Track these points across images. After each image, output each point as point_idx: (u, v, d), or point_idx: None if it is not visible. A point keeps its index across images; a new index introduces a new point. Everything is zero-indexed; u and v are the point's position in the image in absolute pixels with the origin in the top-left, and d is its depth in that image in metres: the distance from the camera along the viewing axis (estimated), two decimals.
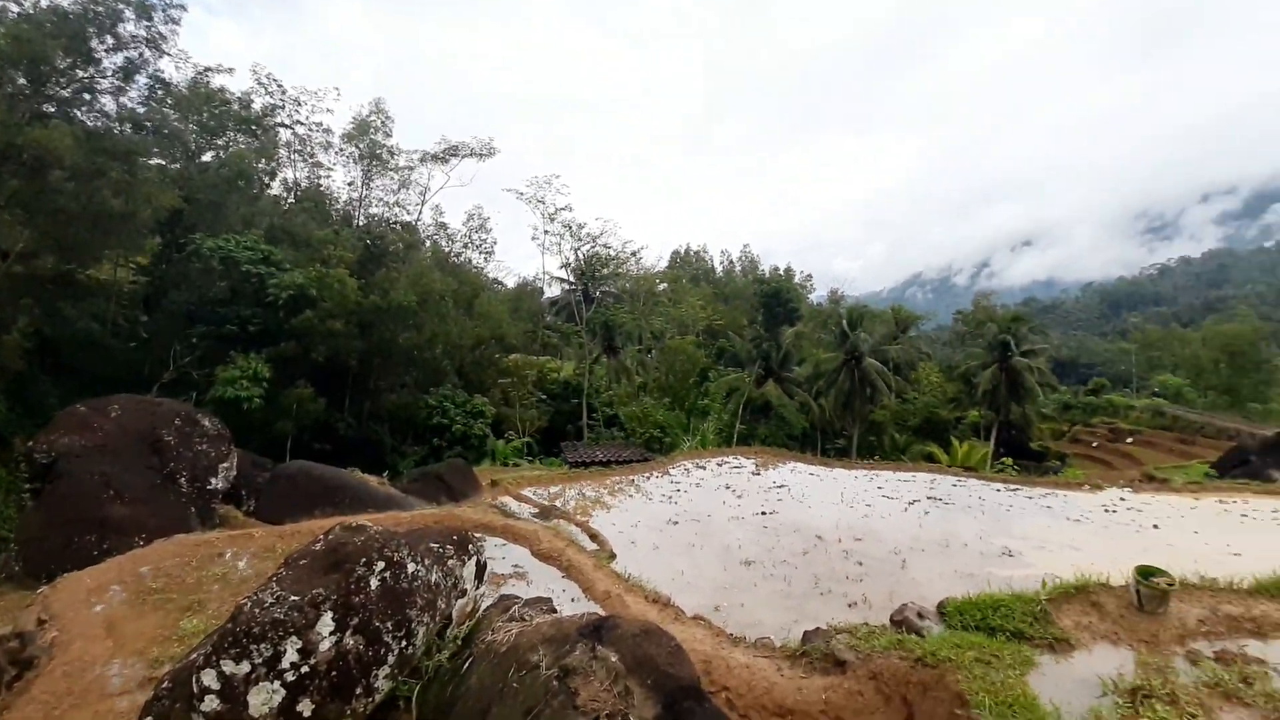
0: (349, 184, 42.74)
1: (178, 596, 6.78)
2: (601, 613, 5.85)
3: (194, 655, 3.83)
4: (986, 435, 42.85)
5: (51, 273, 25.53)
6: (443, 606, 4.79)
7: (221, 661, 3.57)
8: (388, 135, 41.14)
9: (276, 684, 3.56)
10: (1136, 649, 5.75)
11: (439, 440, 32.08)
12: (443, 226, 45.36)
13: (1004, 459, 35.63)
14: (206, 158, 35.03)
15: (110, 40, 26.25)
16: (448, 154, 42.91)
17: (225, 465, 11.53)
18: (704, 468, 18.89)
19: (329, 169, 42.59)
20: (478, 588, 5.49)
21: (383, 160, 41.36)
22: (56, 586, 6.72)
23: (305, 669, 3.65)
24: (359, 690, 3.89)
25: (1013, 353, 42.39)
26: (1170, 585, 6.42)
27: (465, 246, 45.50)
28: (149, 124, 29.53)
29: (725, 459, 20.32)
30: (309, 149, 41.35)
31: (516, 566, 8.50)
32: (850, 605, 8.27)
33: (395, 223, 42.80)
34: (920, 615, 6.39)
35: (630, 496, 15.21)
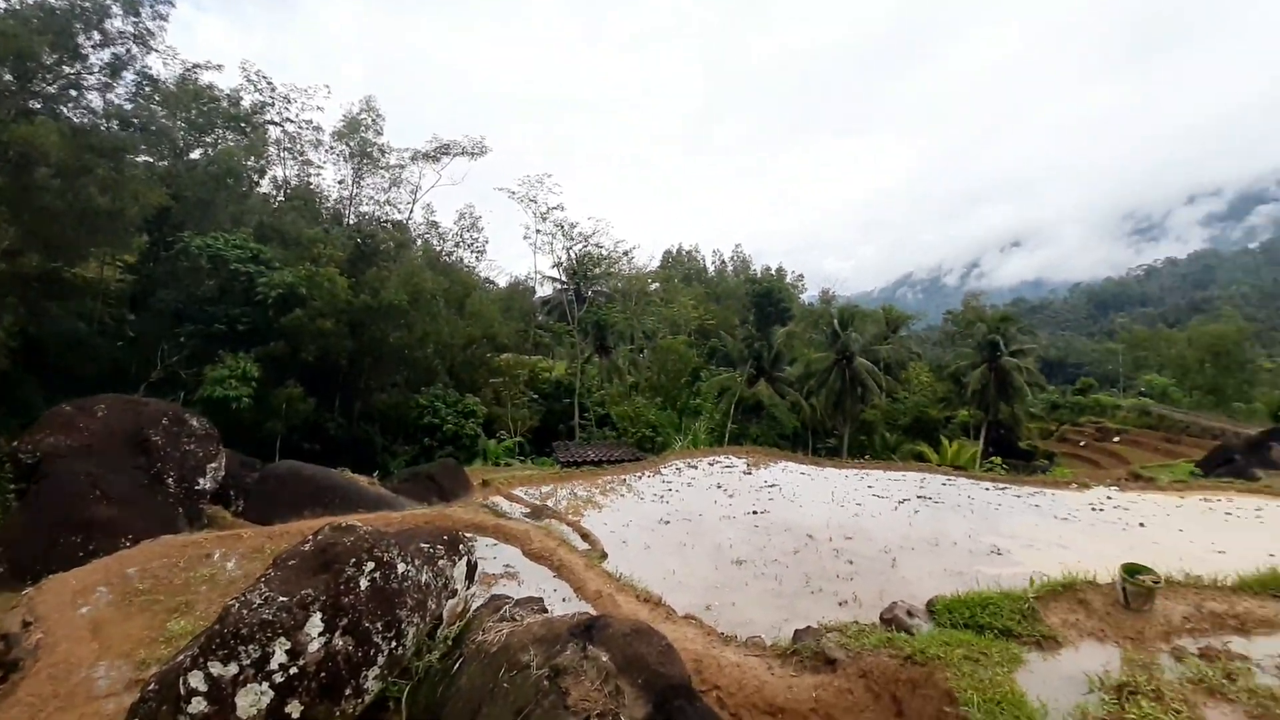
0: (339, 182, 42.65)
1: (165, 598, 6.71)
2: (593, 612, 5.85)
3: (181, 657, 3.80)
4: (976, 434, 43.14)
5: (37, 271, 25.24)
6: (433, 607, 4.77)
7: (209, 663, 3.54)
8: (378, 133, 41.04)
9: (265, 685, 3.54)
10: (1123, 646, 5.81)
11: (430, 440, 31.99)
12: (434, 225, 45.33)
13: (993, 458, 35.89)
14: (195, 155, 34.77)
15: (97, 36, 26.01)
16: (439, 152, 42.80)
17: (213, 465, 11.44)
18: (696, 467, 18.91)
19: (319, 167, 42.44)
20: (468, 588, 5.47)
21: (373, 158, 41.20)
22: (42, 588, 6.65)
23: (294, 670, 3.62)
24: (348, 691, 3.87)
25: (1002, 353, 42.70)
26: (1156, 583, 6.48)
27: (457, 245, 45.46)
28: (136, 121, 29.26)
29: (717, 458, 20.34)
30: (299, 147, 41.17)
31: (508, 566, 8.48)
32: (841, 604, 8.30)
33: (386, 221, 42.63)
34: (910, 613, 6.42)
35: (622, 496, 15.20)
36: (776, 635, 6.50)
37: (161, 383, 26.90)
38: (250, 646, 3.57)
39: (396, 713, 4.29)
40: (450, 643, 4.82)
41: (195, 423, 11.70)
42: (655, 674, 3.79)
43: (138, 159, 29.48)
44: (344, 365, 32.52)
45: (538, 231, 45.48)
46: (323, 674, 3.73)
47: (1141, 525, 12.50)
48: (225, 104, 36.08)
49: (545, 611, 5.38)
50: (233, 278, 29.11)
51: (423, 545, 5.04)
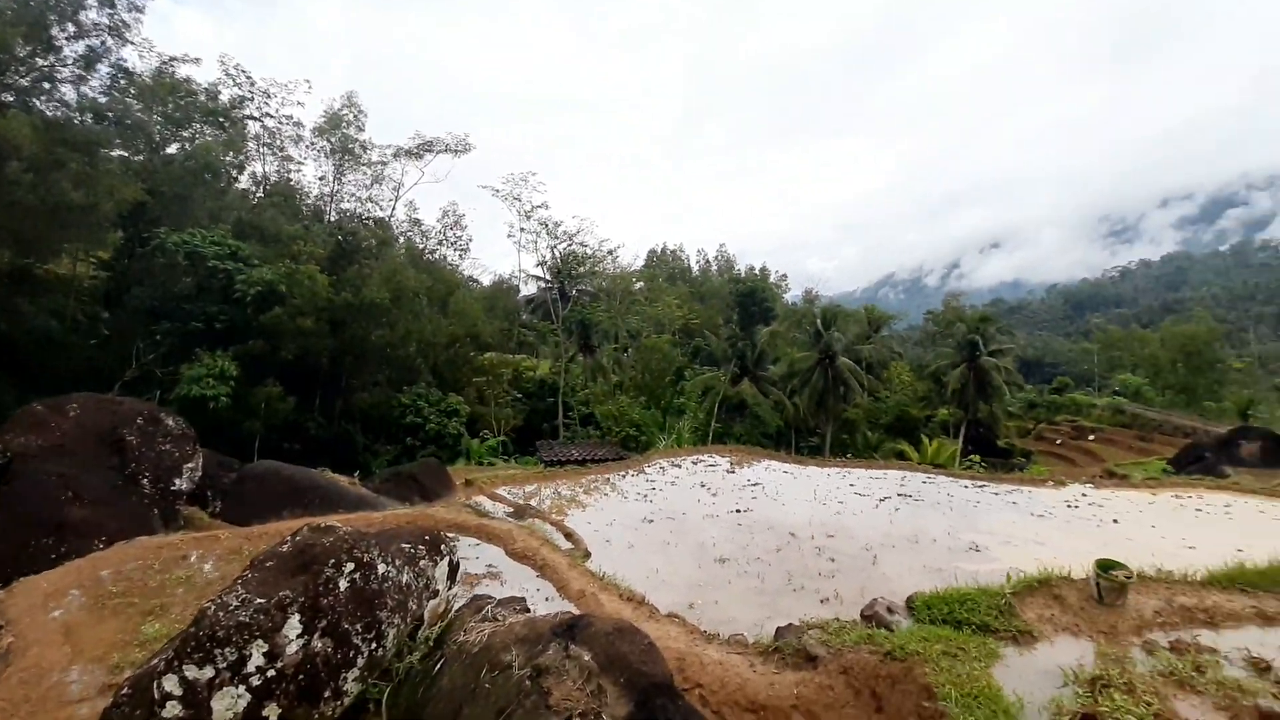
0: (320, 179, 42.10)
1: (139, 601, 6.59)
2: (575, 612, 5.84)
3: (155, 660, 3.73)
4: (955, 433, 43.70)
5: (7, 267, 24.69)
6: (414, 608, 4.74)
7: (184, 666, 3.49)
8: (360, 129, 40.59)
9: (241, 688, 3.49)
10: (1096, 640, 5.92)
11: (412, 439, 31.72)
12: (417, 223, 44.91)
13: (972, 456, 36.42)
14: (171, 150, 34.16)
15: (72, 28, 25.49)
16: (422, 149, 42.41)
17: (190, 466, 11.24)
18: (679, 466, 18.96)
19: (299, 163, 41.88)
20: (450, 588, 5.44)
21: (355, 155, 40.73)
22: (12, 591, 6.50)
23: (271, 673, 3.58)
24: (327, 693, 3.83)
25: (981, 352, 43.30)
26: (1128, 578, 6.62)
27: (440, 243, 45.09)
28: (111, 114, 28.72)
29: (700, 457, 20.41)
30: (279, 142, 40.57)
31: (490, 566, 8.44)
32: (822, 601, 8.38)
33: (368, 218, 42.20)
34: (890, 610, 6.50)
35: (606, 495, 15.20)
36: (759, 633, 6.54)
37: (136, 381, 26.39)
38: (227, 649, 3.52)
39: (377, 714, 4.26)
40: (432, 644, 4.79)
41: (171, 422, 11.49)
42: (637, 673, 3.80)
43: (112, 153, 28.93)
44: (325, 364, 32.14)
45: (522, 230, 45.31)
46: (301, 676, 3.69)
47: (1115, 522, 12.75)
48: (203, 98, 35.45)
49: (528, 611, 5.36)
50: (210, 275, 28.63)
51: (404, 546, 5.00)
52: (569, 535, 10.99)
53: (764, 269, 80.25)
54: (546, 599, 7.31)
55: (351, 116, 40.05)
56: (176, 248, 27.69)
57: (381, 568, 4.42)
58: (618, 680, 3.73)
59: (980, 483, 17.11)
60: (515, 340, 53.29)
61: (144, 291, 28.91)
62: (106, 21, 26.50)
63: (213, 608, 3.75)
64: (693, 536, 11.53)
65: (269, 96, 38.78)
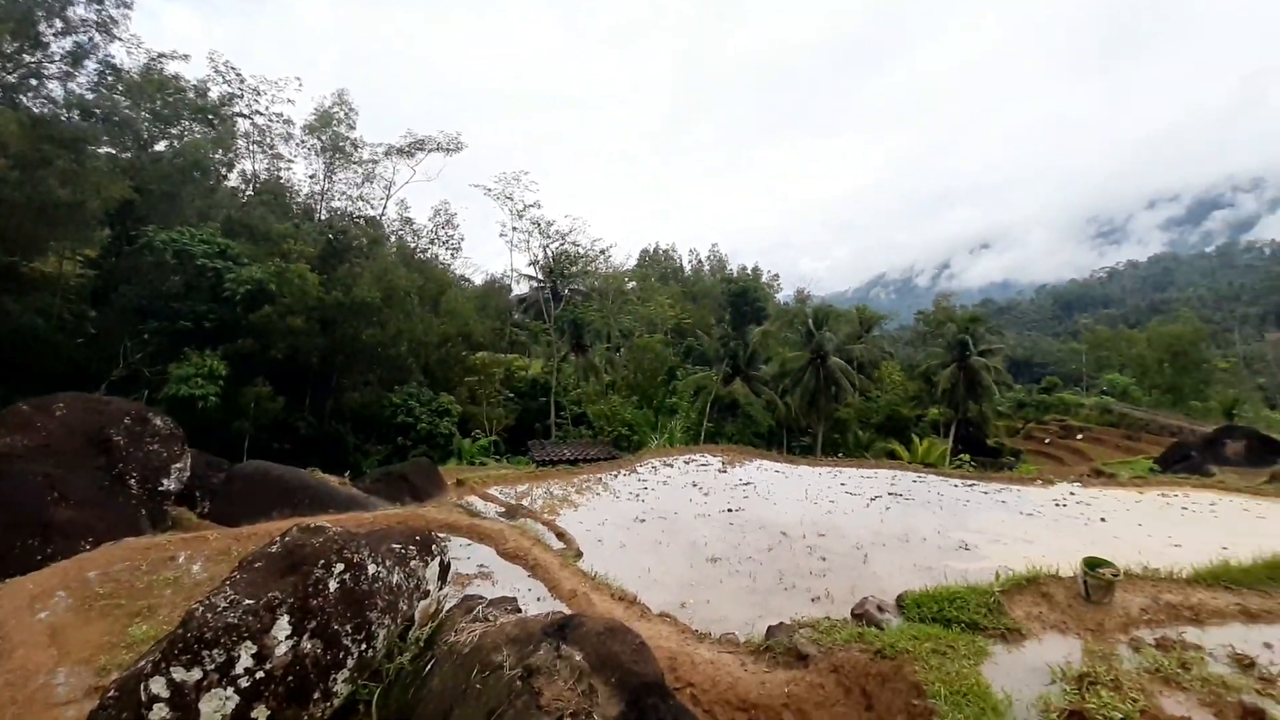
0: (310, 177, 41.81)
1: (126, 602, 6.53)
2: (567, 611, 5.84)
3: (142, 662, 3.70)
4: (946, 432, 43.99)
5: None
6: (404, 608, 4.72)
7: (171, 668, 3.46)
8: (351, 127, 40.31)
9: (230, 690, 3.46)
10: (1083, 637, 5.97)
11: (404, 439, 31.58)
12: (408, 222, 44.64)
13: (962, 455, 36.66)
14: (160, 147, 33.82)
15: (59, 24, 25.26)
16: (413, 148, 42.18)
17: (178, 466, 11.15)
18: (671, 466, 18.97)
19: (289, 161, 41.48)
20: (441, 588, 5.42)
21: (346, 153, 40.45)
22: None
23: (260, 674, 3.56)
24: (317, 695, 3.81)
25: (971, 352, 43.60)
26: (1115, 576, 6.68)
27: (431, 242, 44.86)
28: (98, 111, 28.42)
29: (692, 457, 20.44)
30: (268, 140, 40.20)
31: (482, 566, 8.42)
32: (813, 600, 8.41)
33: (359, 217, 41.94)
34: (880, 608, 6.53)
35: (598, 495, 15.19)
36: (750, 632, 6.56)
37: (124, 381, 26.15)
38: (215, 651, 3.49)
39: (367, 716, 4.24)
40: (422, 644, 4.77)
41: (159, 422, 11.38)
42: (629, 672, 3.80)
43: (99, 150, 28.62)
44: (315, 363, 31.94)
45: (514, 229, 45.23)
46: (290, 678, 3.67)
47: (1103, 520, 12.87)
48: (192, 95, 35.13)
49: (519, 611, 5.35)
50: (199, 273, 28.38)
51: (394, 546, 4.98)
52: (561, 535, 10.98)
53: (756, 269, 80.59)
54: (538, 599, 7.30)
55: (342, 114, 39.79)
56: (165, 246, 27.43)
57: (372, 568, 4.40)
58: (609, 680, 3.73)
59: (970, 482, 17.23)
60: (507, 340, 53.17)
61: (132, 290, 28.63)
62: (94, 18, 26.32)
63: (201, 609, 3.72)
64: (684, 536, 11.54)
65: (259, 94, 38.51)
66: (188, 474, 11.39)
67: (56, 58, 25.79)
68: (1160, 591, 6.87)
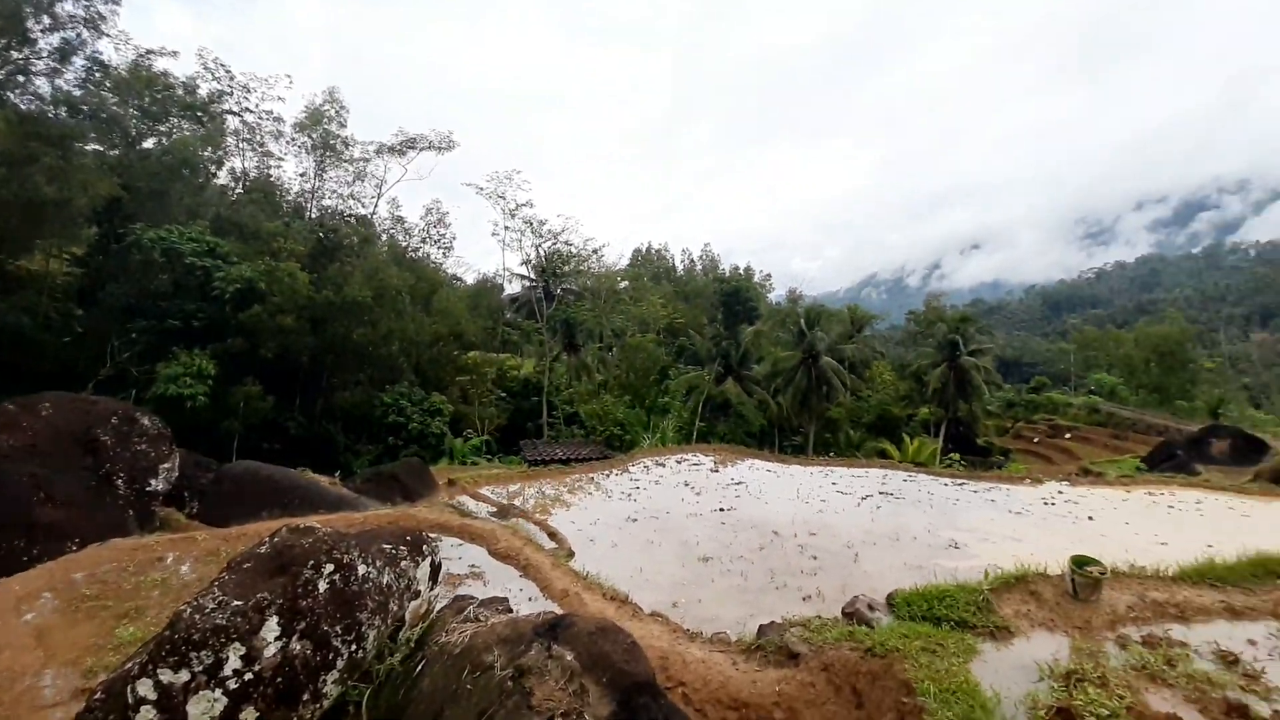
0: (301, 175, 41.46)
1: (113, 604, 6.47)
2: (558, 611, 5.84)
3: (129, 664, 3.67)
4: (936, 432, 44.23)
5: None
6: (395, 609, 4.71)
7: (159, 670, 3.43)
8: (342, 125, 40.05)
9: (218, 692, 3.44)
10: (1071, 635, 6.03)
11: (395, 439, 31.42)
12: (400, 220, 44.41)
13: (952, 454, 36.89)
14: (148, 144, 33.48)
15: (47, 20, 24.99)
16: (405, 146, 41.97)
17: (166, 466, 11.05)
18: (663, 465, 18.99)
19: (279, 159, 41.20)
20: (432, 589, 5.40)
21: (336, 151, 40.19)
22: None
23: (249, 676, 3.53)
24: (306, 696, 3.79)
25: (961, 352, 43.86)
26: (1103, 574, 6.75)
27: (423, 241, 44.60)
28: (86, 108, 28.14)
29: (685, 456, 20.47)
30: (258, 138, 39.91)
31: (473, 566, 8.40)
32: (804, 599, 8.44)
33: (349, 216, 41.69)
34: (870, 607, 6.56)
35: (590, 494, 15.20)
36: (741, 631, 6.58)
37: (111, 380, 25.89)
38: (203, 652, 3.47)
39: (356, 717, 4.22)
40: (413, 645, 4.76)
41: (147, 422, 11.27)
42: (620, 672, 3.81)
43: (87, 147, 28.37)
44: (305, 363, 31.74)
45: (506, 228, 45.06)
46: (279, 679, 3.65)
47: (1090, 518, 12.99)
48: (181, 92, 34.79)
49: (510, 611, 5.35)
50: (188, 272, 28.13)
51: (385, 546, 4.95)
52: (553, 535, 10.97)
53: (748, 269, 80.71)
54: (530, 599, 7.30)
55: (333, 112, 39.52)
56: (153, 244, 27.17)
57: (362, 569, 4.38)
58: (600, 680, 3.73)
59: (960, 481, 17.35)
60: (499, 339, 53.02)
61: (119, 289, 28.34)
62: (82, 14, 26.03)
63: (189, 610, 3.70)
64: (676, 535, 11.56)
65: (249, 91, 38.17)
66: (176, 474, 11.29)
67: (44, 54, 25.52)
68: (1147, 589, 6.95)
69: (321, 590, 4.03)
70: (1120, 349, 63.95)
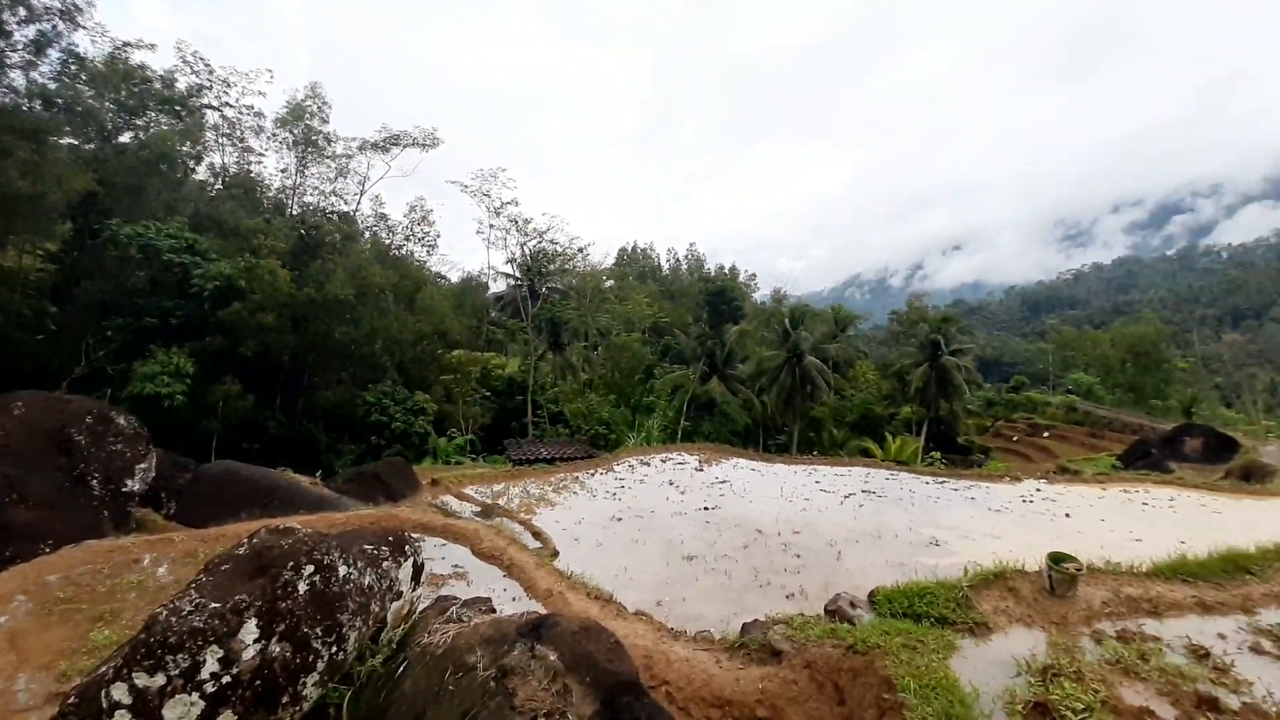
0: (282, 171, 40.77)
1: (88, 606, 6.36)
2: (542, 611, 5.82)
3: (104, 668, 3.61)
4: (918, 430, 44.72)
5: None
6: (376, 610, 4.67)
7: (134, 674, 3.38)
8: (324, 121, 39.49)
9: (195, 696, 3.39)
10: (1048, 630, 6.12)
11: (377, 438, 31.12)
12: (383, 218, 43.91)
13: (933, 453, 37.31)
14: (124, 139, 32.79)
15: (22, 12, 24.48)
16: (389, 143, 41.50)
17: (142, 466, 10.86)
18: (648, 464, 19.01)
19: (260, 155, 40.50)
20: (414, 589, 5.37)
21: (319, 147, 39.65)
22: None
23: (227, 679, 3.49)
24: (286, 699, 3.75)
25: (942, 352, 44.39)
26: (1079, 570, 6.86)
27: (407, 239, 44.13)
28: (61, 101, 27.57)
29: (669, 455, 20.51)
30: (238, 133, 39.18)
31: (456, 567, 8.35)
32: (788, 597, 8.50)
33: (332, 213, 41.14)
34: (853, 604, 6.62)
35: (574, 494, 15.17)
36: (725, 629, 6.61)
37: (86, 379, 25.37)
38: (179, 655, 3.42)
39: (337, 719, 4.19)
40: (395, 646, 4.73)
41: (123, 421, 11.08)
42: (603, 671, 3.81)
43: (61, 141, 27.75)
44: (286, 361, 31.35)
45: (491, 226, 44.84)
46: (258, 682, 3.61)
47: (1067, 516, 13.20)
48: (158, 85, 34.09)
49: (493, 611, 5.33)
50: (166, 269, 27.63)
51: (366, 547, 4.92)
52: (537, 534, 10.94)
53: (733, 268, 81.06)
54: (514, 599, 7.27)
55: (315, 108, 38.99)
56: (129, 240, 26.65)
57: (342, 570, 4.34)
58: (584, 679, 3.74)
59: (940, 479, 17.55)
60: (484, 338, 52.73)
61: (94, 285, 27.76)
62: (58, 5, 25.53)
63: (165, 613, 3.65)
64: (661, 534, 11.58)
65: (229, 85, 37.51)
66: (153, 474, 11.10)
67: (19, 46, 25.00)
68: (1121, 585, 7.08)
69: (301, 592, 3.99)
70: (1097, 349, 64.98)
